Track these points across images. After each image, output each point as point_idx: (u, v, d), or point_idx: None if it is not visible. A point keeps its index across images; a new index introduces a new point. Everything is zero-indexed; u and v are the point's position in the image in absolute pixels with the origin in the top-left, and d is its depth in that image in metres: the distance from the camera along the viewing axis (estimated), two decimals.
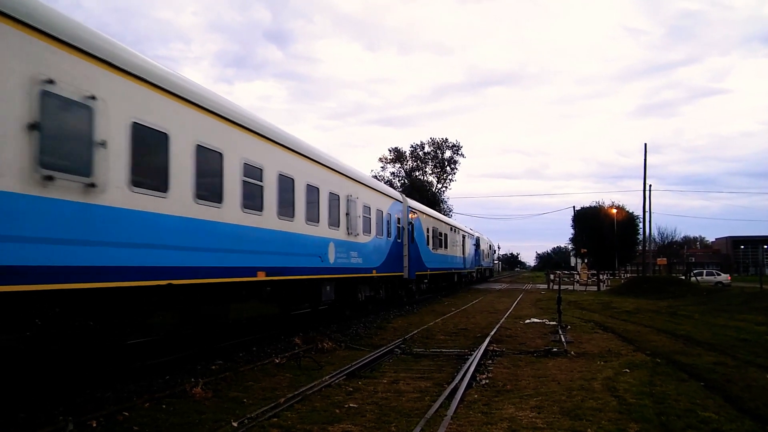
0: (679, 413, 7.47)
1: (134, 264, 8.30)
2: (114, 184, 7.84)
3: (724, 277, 57.42)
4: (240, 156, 11.21)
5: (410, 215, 25.95)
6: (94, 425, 6.71)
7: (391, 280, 23.20)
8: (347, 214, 17.23)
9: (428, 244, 30.15)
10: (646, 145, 46.23)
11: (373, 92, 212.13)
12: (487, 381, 9.57)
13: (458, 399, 8.02)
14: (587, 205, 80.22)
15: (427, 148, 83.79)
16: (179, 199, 9.29)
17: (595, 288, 46.04)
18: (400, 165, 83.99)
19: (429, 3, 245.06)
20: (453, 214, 75.83)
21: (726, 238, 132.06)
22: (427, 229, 30.09)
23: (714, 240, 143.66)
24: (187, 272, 9.50)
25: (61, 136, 7.10)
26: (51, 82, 6.81)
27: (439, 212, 47.25)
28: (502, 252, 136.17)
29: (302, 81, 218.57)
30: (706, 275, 58.23)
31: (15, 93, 6.39)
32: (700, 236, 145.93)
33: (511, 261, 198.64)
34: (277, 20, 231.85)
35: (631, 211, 73.63)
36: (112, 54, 8.00)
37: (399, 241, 23.67)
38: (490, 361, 11.43)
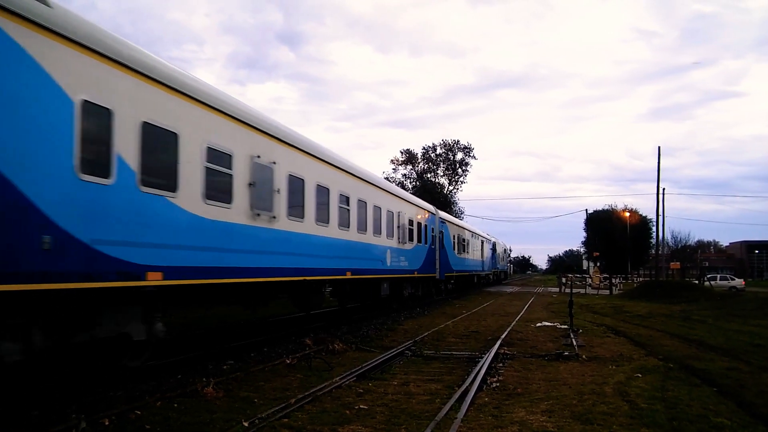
0: (691, 418, 7.42)
1: (290, 266, 12.90)
2: (281, 216, 12.35)
3: (738, 282, 56.95)
4: (338, 190, 15.78)
5: (440, 224, 30.31)
6: (107, 423, 6.77)
7: (426, 280, 27.49)
8: (398, 226, 21.80)
9: (454, 249, 34.49)
10: (659, 148, 45.72)
11: (385, 94, 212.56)
12: (498, 384, 9.55)
13: (468, 402, 8.01)
14: (600, 208, 79.59)
15: (438, 150, 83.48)
16: (309, 222, 13.84)
17: (607, 292, 45.81)
18: (411, 167, 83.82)
19: (440, 5, 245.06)
20: (464, 216, 75.63)
21: (740, 242, 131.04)
22: (454, 237, 34.39)
23: (728, 244, 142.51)
24: (313, 271, 14.10)
25: (261, 188, 11.47)
26: (258, 156, 11.31)
27: (451, 214, 48.10)
28: (513, 255, 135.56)
29: (314, 83, 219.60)
30: (720, 280, 57.81)
31: (245, 166, 10.87)
32: (714, 240, 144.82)
33: (523, 264, 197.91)
34: (289, 22, 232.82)
35: (644, 214, 73.04)
36: (284, 133, 12.77)
37: (432, 247, 27.86)
38: (500, 364, 11.40)
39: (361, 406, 7.88)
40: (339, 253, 15.76)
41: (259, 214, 11.32)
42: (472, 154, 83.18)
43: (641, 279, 66.83)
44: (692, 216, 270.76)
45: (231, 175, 10.47)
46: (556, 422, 7.19)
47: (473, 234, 43.71)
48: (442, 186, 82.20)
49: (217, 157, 10.06)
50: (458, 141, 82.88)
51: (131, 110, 8.07)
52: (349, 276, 16.50)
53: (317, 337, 13.98)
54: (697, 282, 53.01)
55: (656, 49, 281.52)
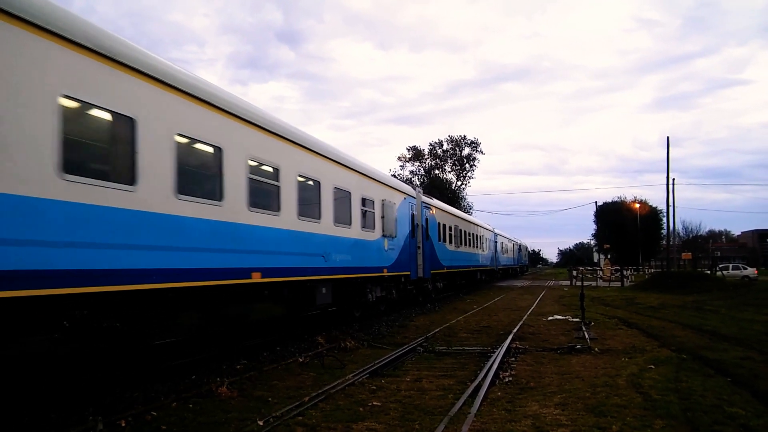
0: (705, 409, 7.41)
1: (466, 265, 36.09)
2: (462, 245, 34.23)
3: (751, 271, 56.57)
4: (469, 231, 36.59)
5: (495, 236, 51.55)
6: (123, 425, 6.85)
7: (491, 270, 49.38)
8: (483, 242, 42.74)
9: (501, 252, 57.12)
10: (668, 138, 45.38)
11: (387, 90, 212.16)
12: (511, 378, 9.57)
13: (481, 396, 8.03)
14: (609, 200, 79.19)
15: (445, 146, 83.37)
16: (464, 245, 34.90)
17: (618, 284, 45.60)
18: (419, 163, 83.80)
19: (439, 0, 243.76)
20: (473, 212, 75.66)
21: (752, 231, 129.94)
22: (501, 243, 57.09)
23: (740, 233, 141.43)
24: (467, 266, 36.19)
25: (455, 235, 32.02)
26: (457, 225, 32.25)
27: (459, 209, 50.37)
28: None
29: (316, 81, 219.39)
30: (732, 269, 57.46)
31: (455, 230, 32.16)
32: (726, 230, 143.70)
33: (533, 258, 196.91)
34: (288, 20, 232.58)
35: (654, 205, 72.54)
36: (462, 215, 38.61)
37: (492, 251, 49.12)
38: (513, 359, 11.41)
39: (374, 403, 7.92)
40: (469, 257, 35.86)
41: (457, 246, 31.30)
42: (479, 149, 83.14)
43: (653, 270, 66.44)
44: (703, 206, 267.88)
45: (452, 234, 29.84)
46: (569, 415, 7.21)
47: (510, 240, 66.65)
48: (450, 182, 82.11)
49: (442, 227, 27.91)
50: (465, 136, 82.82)
51: (442, 220, 28.29)
52: (470, 269, 36.96)
53: (329, 334, 14.05)
54: (709, 272, 52.71)
55: (659, 39, 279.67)
